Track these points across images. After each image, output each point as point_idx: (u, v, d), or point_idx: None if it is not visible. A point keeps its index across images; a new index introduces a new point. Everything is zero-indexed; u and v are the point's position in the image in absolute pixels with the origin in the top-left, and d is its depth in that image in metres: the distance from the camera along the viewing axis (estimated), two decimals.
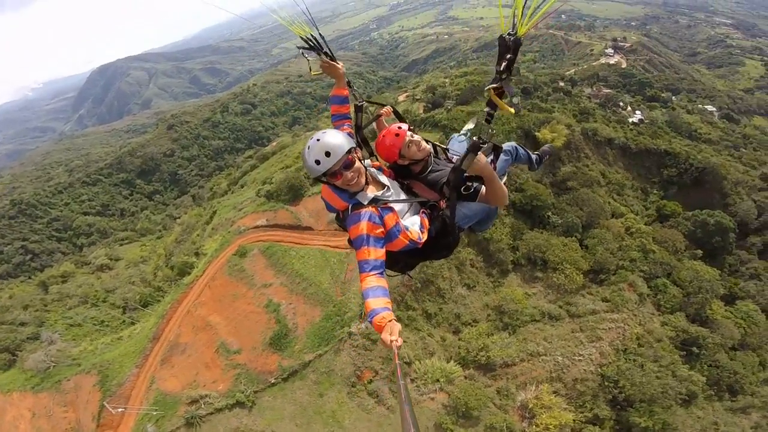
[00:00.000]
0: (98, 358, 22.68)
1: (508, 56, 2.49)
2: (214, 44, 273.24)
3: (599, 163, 41.72)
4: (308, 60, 3.56)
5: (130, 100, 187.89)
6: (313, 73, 3.62)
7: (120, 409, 18.95)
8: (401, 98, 60.11)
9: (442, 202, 3.10)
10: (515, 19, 2.38)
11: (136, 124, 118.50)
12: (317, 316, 23.45)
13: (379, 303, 2.33)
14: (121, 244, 60.49)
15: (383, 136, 3.34)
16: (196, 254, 33.54)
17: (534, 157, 4.44)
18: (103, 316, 32.57)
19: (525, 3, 2.26)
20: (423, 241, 2.90)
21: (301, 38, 3.41)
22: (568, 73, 69.67)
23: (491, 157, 3.41)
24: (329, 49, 3.46)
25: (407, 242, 2.80)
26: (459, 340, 23.81)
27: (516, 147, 4.05)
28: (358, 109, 3.51)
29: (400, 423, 1.32)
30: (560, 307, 26.38)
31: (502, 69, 2.52)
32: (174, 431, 18.57)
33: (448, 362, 22.06)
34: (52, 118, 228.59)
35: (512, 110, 2.75)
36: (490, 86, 2.60)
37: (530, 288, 28.32)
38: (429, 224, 2.98)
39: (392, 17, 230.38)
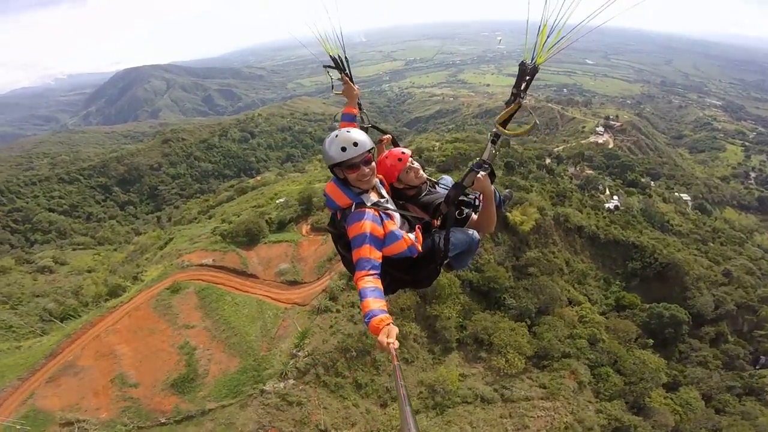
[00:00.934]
0: None
1: (527, 78, 2.76)
2: (236, 68, 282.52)
3: (565, 251, 42.07)
4: (331, 78, 3.86)
5: (140, 107, 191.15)
6: (335, 92, 3.90)
7: None
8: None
9: (435, 221, 3.31)
10: (535, 50, 2.65)
11: (137, 131, 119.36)
12: (233, 367, 21.58)
13: (377, 305, 2.30)
14: (74, 249, 57.74)
15: (385, 157, 3.47)
16: (135, 278, 31.78)
17: (499, 197, 4.47)
18: (16, 320, 29.85)
19: (547, 37, 2.54)
20: (419, 252, 2.97)
21: (330, 56, 3.74)
22: (556, 149, 71.83)
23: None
24: (350, 71, 3.82)
25: (406, 247, 2.87)
26: (384, 414, 21.82)
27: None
28: (364, 131, 3.57)
29: (401, 423, 1.31)
30: (495, 390, 24.98)
31: (521, 89, 2.78)
32: None
33: None
34: (61, 109, 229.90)
35: (522, 130, 3.00)
36: (502, 114, 2.94)
37: (471, 368, 27.01)
38: (422, 239, 3.07)
39: (406, 72, 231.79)
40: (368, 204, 2.82)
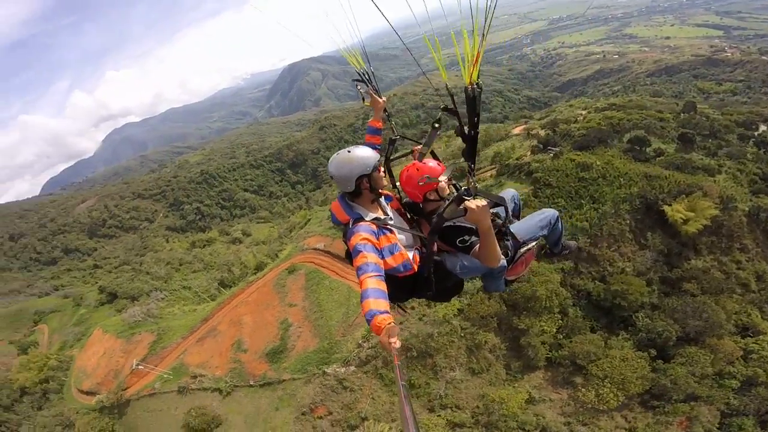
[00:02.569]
0: (166, 323, 30.45)
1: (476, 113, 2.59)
2: (374, 51, 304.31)
3: (761, 260, 29.92)
4: (360, 91, 4.04)
5: (305, 97, 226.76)
6: (365, 103, 4.06)
7: (140, 367, 25.44)
8: (516, 131, 55.10)
9: (437, 244, 3.16)
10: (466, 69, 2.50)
11: (305, 119, 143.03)
12: (312, 346, 25.54)
13: (379, 305, 2.32)
14: (258, 222, 75.43)
15: (415, 167, 3.31)
16: (276, 255, 39.99)
17: (562, 241, 4.25)
18: (203, 285, 42.08)
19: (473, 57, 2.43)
20: (413, 270, 2.99)
21: (357, 72, 3.95)
22: None
23: (506, 214, 3.43)
24: (376, 83, 3.97)
25: (400, 262, 2.89)
26: (427, 419, 22.11)
27: (558, 218, 3.92)
28: (391, 143, 3.85)
29: (401, 423, 1.31)
30: (568, 424, 21.35)
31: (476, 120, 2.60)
32: (167, 392, 24.01)
33: None
34: (252, 105, 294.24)
35: (478, 203, 2.61)
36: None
37: (554, 392, 23.66)
38: (420, 262, 3.06)
39: (550, 32, 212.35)
40: (367, 218, 2.89)
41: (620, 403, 21.83)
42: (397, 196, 3.55)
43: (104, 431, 25.00)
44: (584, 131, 43.78)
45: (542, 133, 49.38)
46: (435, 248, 3.08)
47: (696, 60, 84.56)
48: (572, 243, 4.48)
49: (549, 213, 3.85)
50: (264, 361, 25.30)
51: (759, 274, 28.89)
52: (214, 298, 37.07)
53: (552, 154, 39.15)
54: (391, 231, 2.93)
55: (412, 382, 23.61)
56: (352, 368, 23.80)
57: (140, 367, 26.00)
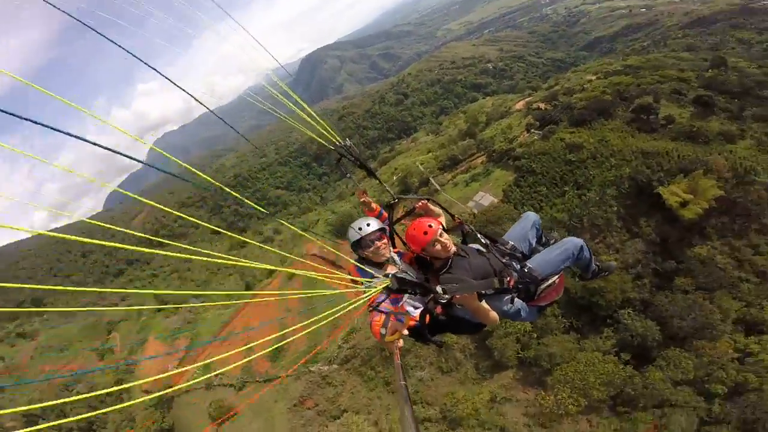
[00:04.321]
0: (199, 327, 36.21)
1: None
2: (388, 29, 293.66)
3: None
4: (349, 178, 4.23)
5: (327, 85, 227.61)
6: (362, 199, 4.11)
7: (173, 369, 31.16)
8: (518, 106, 53.21)
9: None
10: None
11: (328, 109, 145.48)
12: (302, 345, 29.41)
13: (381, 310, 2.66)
14: (287, 220, 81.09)
15: (413, 228, 3.35)
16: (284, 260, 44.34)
17: (594, 266, 4.15)
18: (232, 288, 47.81)
19: None
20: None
21: (335, 150, 4.00)
22: None
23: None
24: (357, 155, 4.01)
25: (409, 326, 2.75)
26: (396, 414, 25.02)
27: (582, 247, 3.83)
28: (389, 207, 3.87)
29: (401, 423, 1.36)
30: (529, 426, 22.81)
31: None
32: (198, 389, 29.57)
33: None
34: (276, 100, 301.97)
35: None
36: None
37: (523, 391, 24.84)
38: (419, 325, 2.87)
39: None
40: (376, 276, 2.88)
41: (581, 408, 22.07)
42: (409, 252, 3.62)
43: (158, 422, 31.28)
44: (585, 103, 41.42)
45: (543, 106, 47.32)
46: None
47: (730, 9, 73.95)
48: (611, 264, 4.39)
49: (569, 245, 3.74)
50: (267, 360, 29.76)
51: None
52: (240, 298, 42.61)
53: (538, 135, 38.10)
54: (399, 300, 3.09)
55: (387, 379, 26.52)
56: (335, 366, 27.29)
57: (173, 369, 32.04)
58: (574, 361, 23.61)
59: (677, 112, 37.96)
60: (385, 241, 3.42)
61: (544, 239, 4.18)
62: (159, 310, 45.77)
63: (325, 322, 2.29)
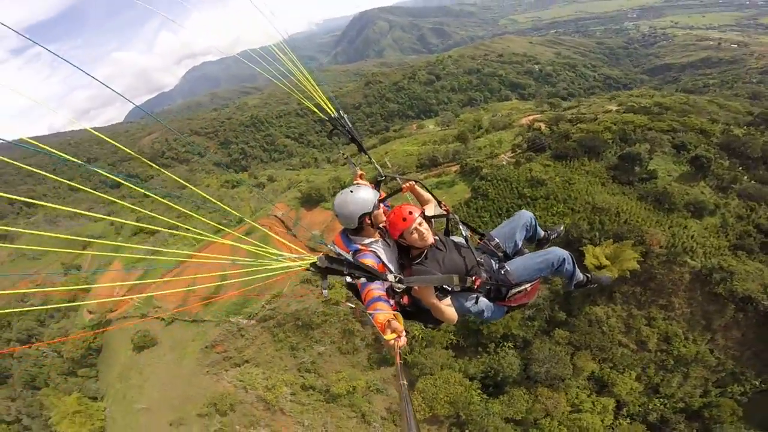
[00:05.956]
0: (159, 260, 39.90)
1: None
2: (448, 5, 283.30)
3: (684, 323, 26.91)
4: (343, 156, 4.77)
5: (370, 47, 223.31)
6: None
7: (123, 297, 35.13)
8: (524, 121, 52.23)
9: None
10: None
11: (362, 70, 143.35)
12: (234, 298, 32.72)
13: (384, 306, 2.57)
14: (287, 169, 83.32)
15: (394, 213, 3.31)
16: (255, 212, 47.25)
17: (581, 278, 4.02)
18: (204, 226, 51.37)
19: None
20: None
21: (329, 121, 4.11)
22: None
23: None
24: (351, 128, 4.10)
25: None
26: (292, 377, 28.34)
27: (565, 260, 3.70)
28: (378, 184, 3.85)
29: (401, 423, 1.35)
30: (383, 418, 25.98)
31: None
32: (134, 317, 33.72)
33: None
34: (319, 50, 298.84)
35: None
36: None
37: (395, 389, 27.58)
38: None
39: (665, 9, 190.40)
40: (363, 243, 3.11)
41: (426, 417, 24.78)
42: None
43: (87, 341, 35.41)
44: (579, 136, 40.67)
45: (543, 128, 46.62)
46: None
47: None
48: (604, 278, 4.37)
49: (551, 255, 3.67)
50: (200, 303, 33.33)
51: (667, 335, 26.95)
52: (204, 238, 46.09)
53: (505, 163, 38.35)
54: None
55: (292, 345, 29.75)
56: (253, 321, 30.62)
57: (123, 297, 36.10)
58: (433, 375, 26.13)
59: (668, 168, 36.83)
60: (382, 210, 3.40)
61: (542, 234, 4.19)
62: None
63: (245, 279, 2.46)
